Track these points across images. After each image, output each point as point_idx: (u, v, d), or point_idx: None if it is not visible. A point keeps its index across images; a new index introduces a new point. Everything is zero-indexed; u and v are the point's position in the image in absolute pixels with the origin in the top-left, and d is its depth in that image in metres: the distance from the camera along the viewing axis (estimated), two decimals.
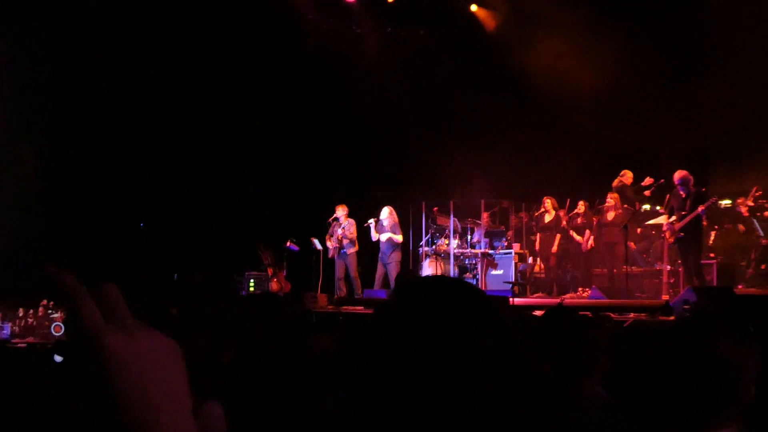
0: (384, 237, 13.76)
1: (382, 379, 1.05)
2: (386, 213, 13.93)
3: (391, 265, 13.78)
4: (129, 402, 0.73)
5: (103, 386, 0.73)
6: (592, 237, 13.45)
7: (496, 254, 14.26)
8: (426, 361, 1.03)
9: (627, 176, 13.53)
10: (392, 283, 13.49)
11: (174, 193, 17.11)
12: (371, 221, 14.03)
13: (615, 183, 13.49)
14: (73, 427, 0.74)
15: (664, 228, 11.69)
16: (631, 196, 13.31)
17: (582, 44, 14.55)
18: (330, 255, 14.43)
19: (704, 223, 11.30)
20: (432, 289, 1.13)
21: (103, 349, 0.74)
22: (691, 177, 11.15)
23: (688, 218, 10.98)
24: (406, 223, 14.83)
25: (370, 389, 1.05)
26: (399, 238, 13.91)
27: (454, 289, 1.12)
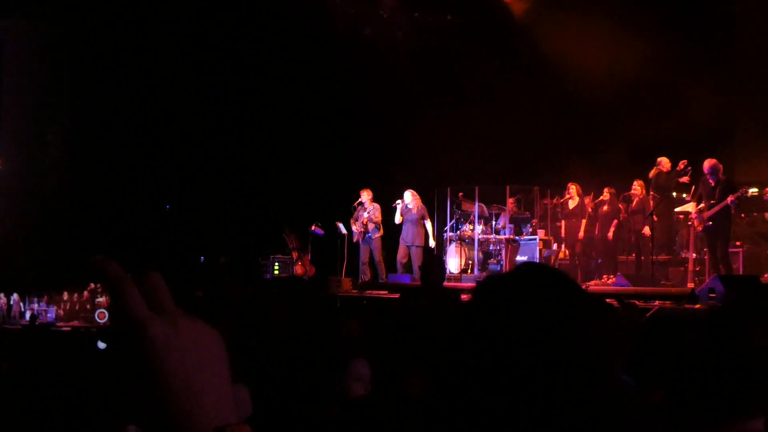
0: (429, 225, 13.79)
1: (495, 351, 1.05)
2: (410, 197, 13.79)
3: (418, 249, 13.71)
4: (171, 388, 0.75)
5: (146, 373, 0.75)
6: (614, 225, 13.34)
7: (521, 240, 14.21)
8: (542, 339, 1.04)
9: (663, 163, 12.89)
10: (415, 268, 13.41)
11: (200, 176, 17.20)
12: (398, 202, 13.95)
13: (652, 173, 12.89)
14: (115, 411, 0.75)
15: (693, 216, 11.56)
16: (663, 183, 12.79)
17: (610, 31, 14.40)
18: (355, 239, 14.42)
19: (732, 211, 11.16)
20: (553, 273, 1.15)
21: (146, 337, 0.75)
22: (720, 166, 11.00)
23: (717, 207, 10.85)
24: (431, 208, 14.80)
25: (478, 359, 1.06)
26: (428, 224, 13.94)
27: (567, 278, 1.14)
